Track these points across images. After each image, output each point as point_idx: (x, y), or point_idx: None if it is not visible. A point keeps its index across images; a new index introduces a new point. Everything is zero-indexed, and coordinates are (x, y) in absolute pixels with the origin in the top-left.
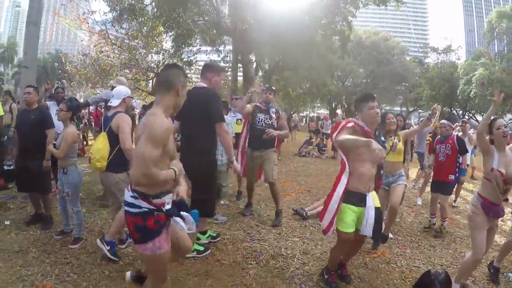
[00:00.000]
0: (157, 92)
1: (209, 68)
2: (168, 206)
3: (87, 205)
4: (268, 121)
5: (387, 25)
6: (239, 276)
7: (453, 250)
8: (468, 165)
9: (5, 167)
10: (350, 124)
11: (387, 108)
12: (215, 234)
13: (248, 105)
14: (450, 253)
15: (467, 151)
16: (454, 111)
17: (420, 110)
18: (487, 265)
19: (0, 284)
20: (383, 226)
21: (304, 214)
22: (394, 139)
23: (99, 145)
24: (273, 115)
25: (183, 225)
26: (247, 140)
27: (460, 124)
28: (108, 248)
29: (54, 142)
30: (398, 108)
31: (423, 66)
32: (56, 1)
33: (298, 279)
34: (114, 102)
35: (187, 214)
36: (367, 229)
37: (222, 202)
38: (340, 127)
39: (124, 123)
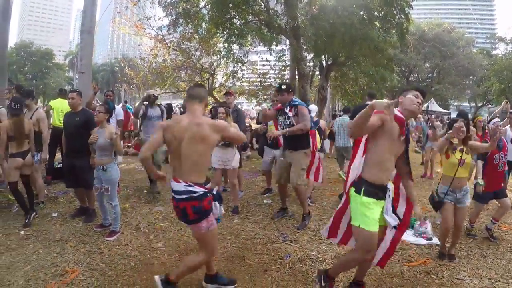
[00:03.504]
0: (191, 103)
1: None
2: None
3: (133, 201)
4: (286, 121)
5: (451, 16)
6: (261, 278)
7: (507, 261)
8: None
9: (55, 165)
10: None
11: (455, 104)
12: None
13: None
14: (503, 264)
15: None
16: None
17: (490, 105)
18: None
19: (35, 267)
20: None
21: None
22: (464, 151)
23: None
24: (290, 113)
25: (220, 209)
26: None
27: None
28: None
29: (95, 141)
30: (467, 104)
31: (491, 57)
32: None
33: None
34: None
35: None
36: (391, 218)
37: (265, 201)
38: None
39: None
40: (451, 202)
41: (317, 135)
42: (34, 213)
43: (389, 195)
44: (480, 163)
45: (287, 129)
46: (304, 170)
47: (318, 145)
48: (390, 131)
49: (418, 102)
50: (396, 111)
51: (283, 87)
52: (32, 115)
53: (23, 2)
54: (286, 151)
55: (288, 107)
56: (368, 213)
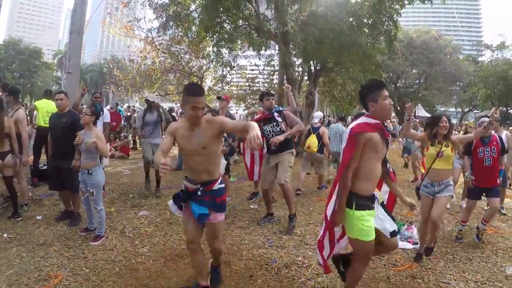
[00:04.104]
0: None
1: None
2: None
3: (118, 205)
4: (275, 129)
5: (439, 23)
6: (246, 284)
7: (493, 264)
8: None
9: (40, 167)
10: (361, 136)
11: (442, 109)
12: None
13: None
14: (489, 267)
15: (506, 151)
16: (511, 110)
17: (476, 110)
18: None
19: (18, 271)
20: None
21: None
22: (443, 145)
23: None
24: (279, 119)
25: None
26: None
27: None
28: None
29: (80, 142)
30: (453, 109)
31: (477, 64)
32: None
33: None
34: None
35: None
36: (387, 225)
37: (251, 206)
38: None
39: None
40: (428, 195)
41: (315, 138)
42: (19, 218)
43: (378, 202)
44: (466, 158)
45: (289, 132)
46: (290, 167)
47: (315, 149)
48: (375, 143)
49: (391, 104)
50: (370, 119)
51: (272, 92)
52: (13, 114)
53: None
54: (272, 156)
55: (276, 113)
56: (364, 225)
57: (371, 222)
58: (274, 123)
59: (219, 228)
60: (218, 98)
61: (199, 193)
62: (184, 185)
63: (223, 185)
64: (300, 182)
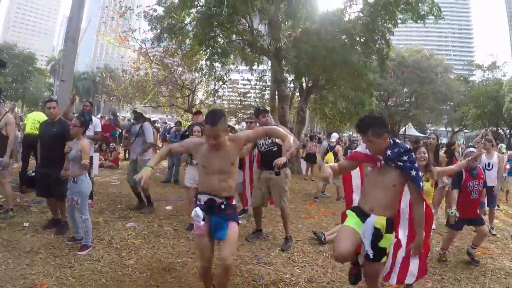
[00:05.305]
0: None
1: None
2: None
3: (106, 215)
4: (268, 141)
5: (431, 43)
6: None
7: (481, 286)
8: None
9: (28, 174)
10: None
11: (432, 128)
12: None
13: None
14: None
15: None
16: (501, 130)
17: (466, 130)
18: None
19: (3, 278)
20: None
21: (322, 239)
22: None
23: None
24: None
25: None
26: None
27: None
28: None
29: (69, 150)
30: (443, 128)
31: (468, 84)
32: (107, 18)
33: None
34: None
35: None
36: (367, 247)
37: (240, 222)
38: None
39: None
40: None
41: (332, 155)
42: None
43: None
44: (455, 192)
45: (289, 152)
46: (286, 191)
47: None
48: None
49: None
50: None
51: (267, 108)
52: (1, 119)
53: (9, 3)
54: (264, 172)
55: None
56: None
57: (354, 220)
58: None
59: (235, 237)
60: (195, 113)
61: (223, 206)
62: (205, 201)
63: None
64: (318, 191)
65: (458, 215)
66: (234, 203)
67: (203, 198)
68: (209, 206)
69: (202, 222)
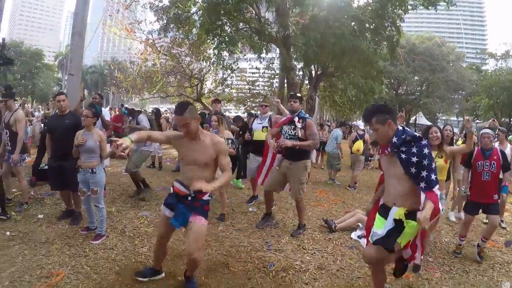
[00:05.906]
0: None
1: None
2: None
3: (119, 205)
4: (291, 132)
5: (442, 30)
6: (243, 286)
7: (489, 278)
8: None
9: (41, 167)
10: None
11: (443, 118)
12: None
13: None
14: (485, 281)
15: (510, 168)
16: None
17: (478, 120)
18: None
19: (21, 269)
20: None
21: (333, 226)
22: (436, 155)
23: None
24: (299, 124)
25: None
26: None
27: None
28: None
29: (83, 143)
30: (455, 118)
31: (481, 73)
32: (112, 11)
33: None
34: None
35: None
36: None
37: (250, 209)
38: None
39: None
40: None
41: (361, 143)
42: (4, 217)
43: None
44: (466, 171)
45: (299, 143)
46: (303, 184)
47: (361, 152)
48: None
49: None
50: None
51: (299, 94)
52: (12, 115)
53: (14, 1)
54: (285, 161)
55: (297, 118)
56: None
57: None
58: (292, 126)
59: (201, 231)
60: (214, 101)
61: (189, 198)
62: (174, 188)
63: (211, 198)
64: (352, 180)
65: (469, 194)
66: (205, 198)
67: (175, 185)
68: (176, 195)
69: (172, 213)
